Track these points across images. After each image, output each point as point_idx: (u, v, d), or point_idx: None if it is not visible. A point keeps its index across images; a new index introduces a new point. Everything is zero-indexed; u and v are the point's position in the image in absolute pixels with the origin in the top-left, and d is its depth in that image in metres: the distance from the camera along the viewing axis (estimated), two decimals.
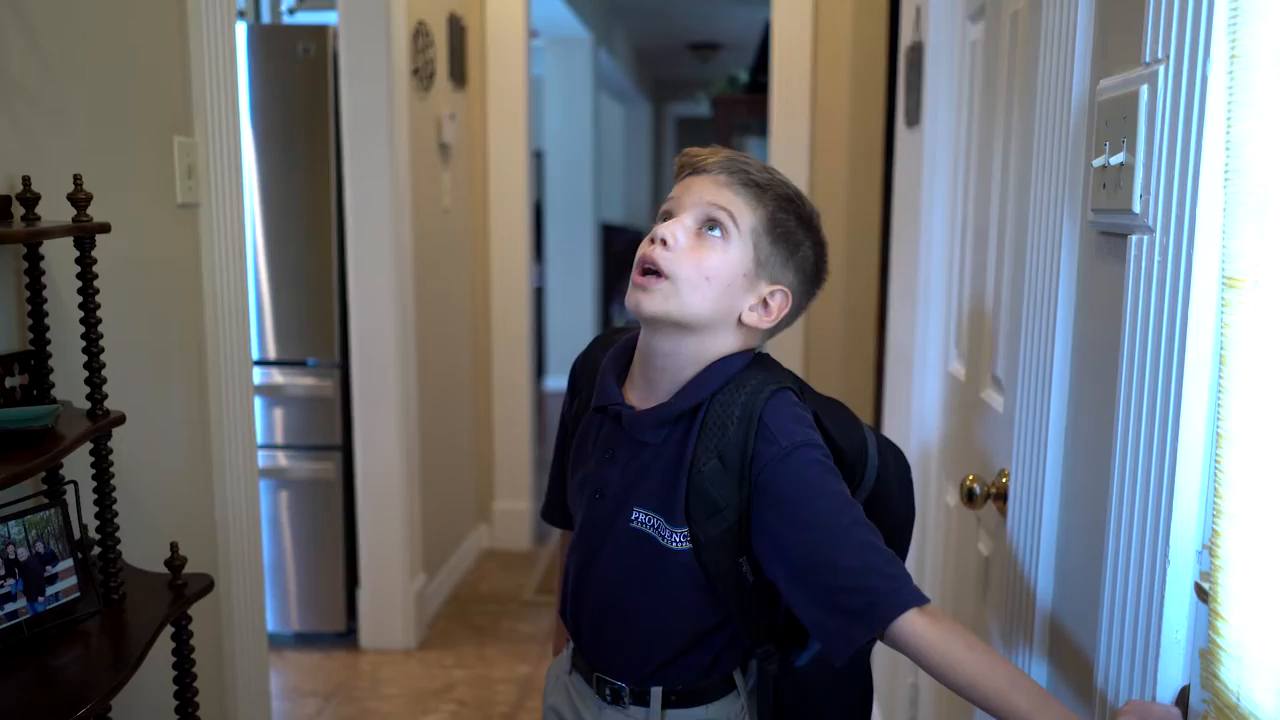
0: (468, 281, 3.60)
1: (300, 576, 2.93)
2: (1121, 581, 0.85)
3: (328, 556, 2.92)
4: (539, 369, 5.58)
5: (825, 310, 3.45)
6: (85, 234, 1.22)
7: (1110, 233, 0.94)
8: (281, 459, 2.87)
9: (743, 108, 4.21)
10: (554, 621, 1.29)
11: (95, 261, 1.26)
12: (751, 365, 1.05)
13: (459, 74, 3.33)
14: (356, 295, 2.80)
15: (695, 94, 9.15)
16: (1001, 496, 1.28)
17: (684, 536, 1.02)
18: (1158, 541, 0.79)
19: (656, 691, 1.07)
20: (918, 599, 0.92)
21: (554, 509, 1.23)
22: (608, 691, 1.10)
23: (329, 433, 2.87)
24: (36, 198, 1.27)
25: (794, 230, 1.04)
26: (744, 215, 1.01)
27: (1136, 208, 0.85)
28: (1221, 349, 0.70)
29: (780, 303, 1.04)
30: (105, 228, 1.25)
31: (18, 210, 1.28)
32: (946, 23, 1.80)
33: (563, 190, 6.58)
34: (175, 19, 1.69)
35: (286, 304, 2.84)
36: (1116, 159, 0.90)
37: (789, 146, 3.34)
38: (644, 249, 1.01)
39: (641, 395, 1.07)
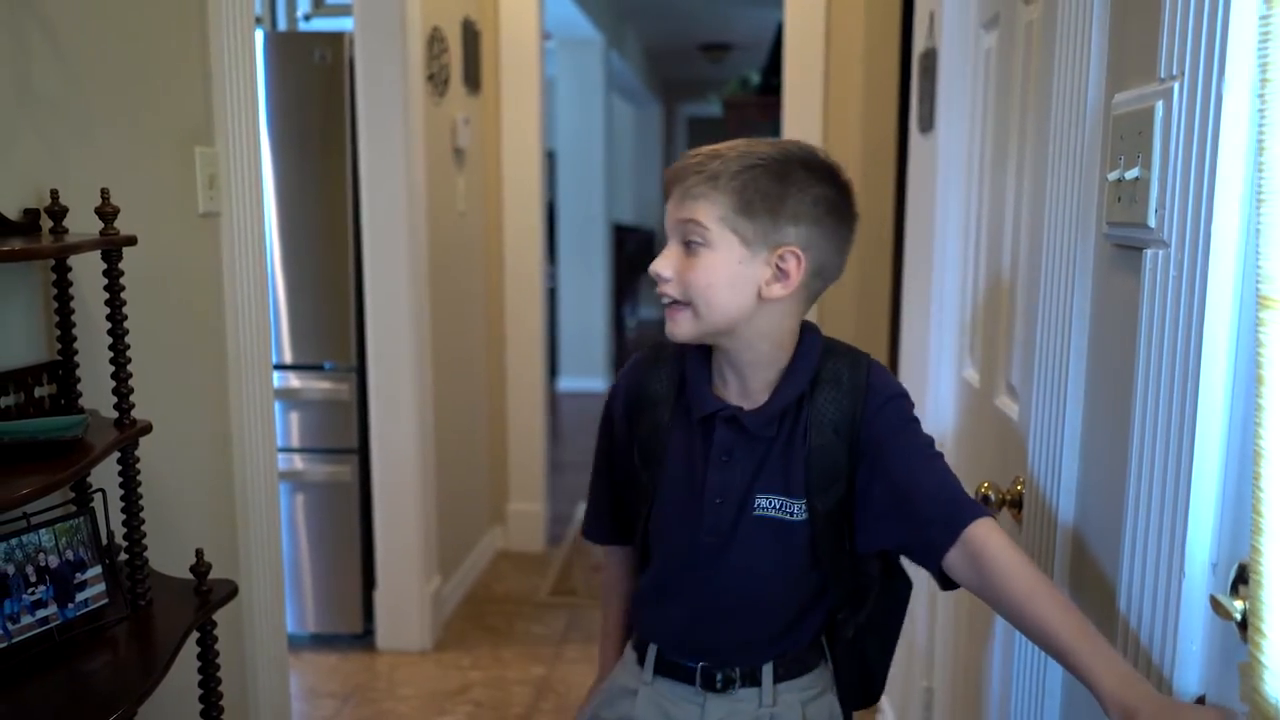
0: (482, 284, 3.62)
1: (317, 578, 2.95)
2: (1137, 593, 0.86)
3: (344, 558, 2.94)
4: (552, 369, 5.60)
5: (837, 311, 3.46)
6: (113, 247, 1.25)
7: (1125, 245, 0.95)
8: (298, 462, 2.90)
9: (754, 110, 4.22)
10: (599, 641, 1.32)
11: (122, 274, 1.28)
12: (824, 348, 1.13)
13: (473, 78, 3.35)
14: (373, 299, 2.82)
15: (706, 94, 9.17)
16: (1016, 504, 1.29)
17: (802, 508, 1.09)
18: (1173, 554, 0.80)
19: (767, 669, 1.13)
20: (987, 510, 1.05)
21: (602, 526, 1.27)
22: (718, 680, 1.13)
23: (345, 436, 2.90)
24: (64, 210, 1.30)
25: (769, 190, 1.03)
26: (707, 213, 1.03)
27: (1151, 222, 0.86)
28: (1259, 368, 0.70)
29: (794, 264, 1.05)
30: (132, 240, 1.27)
31: (46, 223, 1.30)
32: (960, 30, 1.80)
33: (575, 191, 6.60)
34: (197, 30, 1.71)
35: (303, 308, 2.86)
36: (1131, 173, 0.91)
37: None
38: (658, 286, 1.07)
39: (739, 394, 1.12)
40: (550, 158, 6.39)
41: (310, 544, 2.94)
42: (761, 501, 1.09)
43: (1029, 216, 1.33)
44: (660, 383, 1.15)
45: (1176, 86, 0.82)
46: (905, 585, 1.23)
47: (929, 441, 1.11)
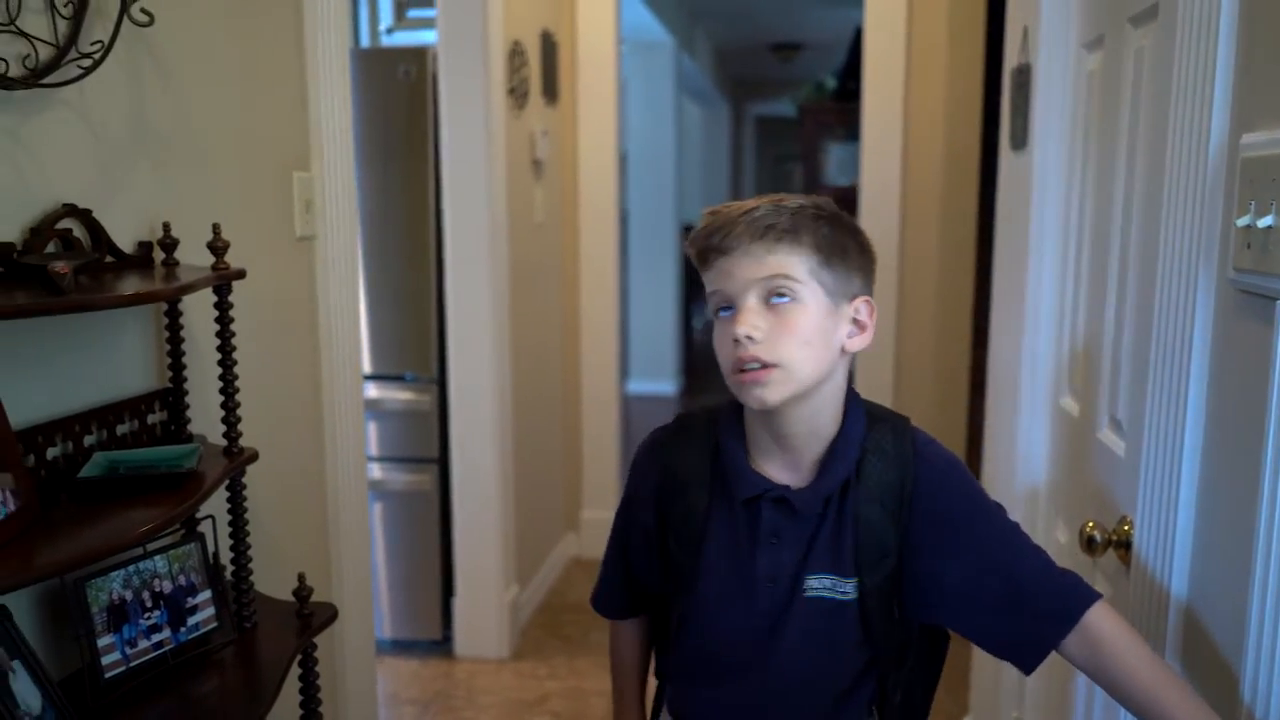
0: (557, 293, 3.64)
1: (397, 585, 3.00)
2: (1265, 684, 0.83)
3: (424, 566, 2.99)
4: (622, 372, 5.61)
5: (916, 327, 3.41)
6: (224, 282, 1.28)
7: (1254, 293, 0.92)
8: (379, 471, 2.95)
9: (830, 115, 4.18)
10: (614, 710, 1.29)
11: (231, 305, 1.32)
12: (867, 408, 1.09)
13: (551, 90, 3.37)
14: (454, 311, 2.86)
15: (776, 94, 9.10)
16: (1124, 544, 1.26)
17: (853, 586, 1.04)
18: None
19: None
20: (1095, 592, 1.02)
21: (617, 602, 1.22)
22: None
23: (426, 446, 2.94)
24: (175, 242, 1.34)
25: (836, 239, 1.02)
26: (796, 267, 1.00)
27: None
28: None
29: (867, 311, 1.04)
30: (242, 274, 1.31)
31: (158, 254, 1.34)
32: (1060, 48, 1.76)
33: (645, 193, 6.62)
34: (295, 57, 1.75)
35: (386, 320, 2.91)
36: (1264, 221, 0.88)
37: (880, 155, 3.31)
38: (735, 352, 1.00)
39: (784, 468, 1.07)
40: (621, 160, 6.42)
41: (391, 551, 2.99)
42: (812, 582, 1.04)
43: (1139, 250, 1.29)
44: (692, 463, 1.10)
45: None
46: (944, 638, 1.18)
47: (1012, 525, 1.07)
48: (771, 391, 1.00)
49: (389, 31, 3.35)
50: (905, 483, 1.04)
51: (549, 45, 3.32)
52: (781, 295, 1.00)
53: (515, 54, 2.99)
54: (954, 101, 3.23)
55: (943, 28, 3.22)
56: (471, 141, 2.78)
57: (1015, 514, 1.86)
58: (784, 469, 1.07)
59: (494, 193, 2.83)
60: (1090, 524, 1.30)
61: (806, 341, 1.00)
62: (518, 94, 3.02)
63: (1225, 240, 0.97)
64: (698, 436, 1.10)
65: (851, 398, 1.08)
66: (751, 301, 1.00)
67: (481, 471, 2.91)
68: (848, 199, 3.74)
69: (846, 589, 1.04)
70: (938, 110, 3.27)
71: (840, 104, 4.09)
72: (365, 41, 3.38)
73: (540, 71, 3.25)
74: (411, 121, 2.82)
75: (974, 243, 3.20)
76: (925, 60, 3.29)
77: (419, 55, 2.81)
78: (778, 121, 10.39)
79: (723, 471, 1.08)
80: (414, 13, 3.38)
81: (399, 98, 2.82)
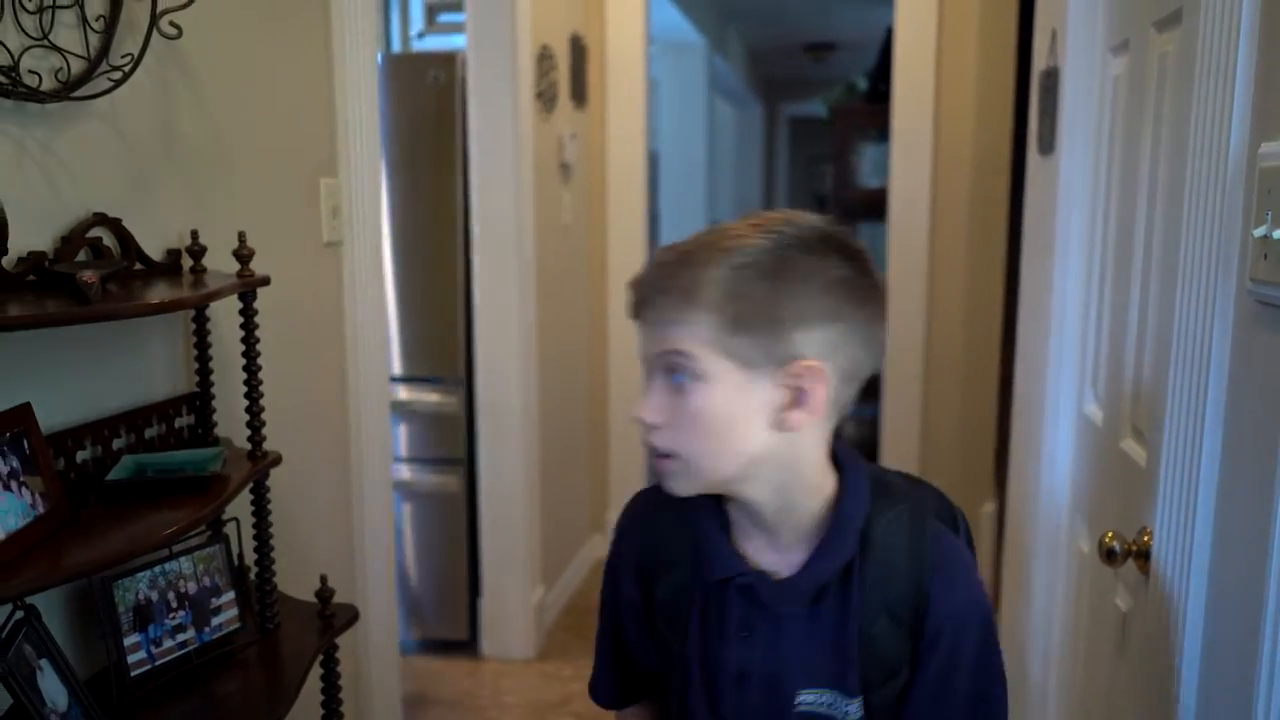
0: (584, 295, 3.66)
1: (423, 585, 3.04)
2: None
3: (451, 566, 3.02)
4: None
5: (945, 328, 3.39)
6: (249, 289, 1.30)
7: (1272, 304, 0.91)
8: (406, 472, 2.98)
9: (862, 117, 4.16)
10: None
11: (256, 312, 1.34)
12: (872, 489, 0.90)
13: (579, 93, 3.38)
14: (482, 314, 2.88)
15: (809, 94, 9.06)
16: (1143, 555, 1.25)
17: (859, 706, 0.88)
18: None
19: None
20: None
21: (611, 690, 1.05)
22: None
23: (453, 447, 2.97)
24: (203, 249, 1.36)
25: (763, 294, 0.81)
26: (689, 339, 0.82)
27: None
28: None
29: (815, 381, 0.82)
30: (266, 281, 1.33)
31: (186, 261, 1.37)
32: (1086, 52, 1.74)
33: (677, 192, 6.64)
34: (323, 63, 1.77)
35: (413, 323, 2.94)
36: None
37: (910, 157, 3.30)
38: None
39: (767, 548, 0.90)
40: (652, 161, 6.45)
41: (417, 551, 3.03)
42: (808, 697, 0.88)
43: (1160, 256, 1.28)
44: (672, 537, 0.94)
45: None
46: None
47: (1004, 680, 0.92)
48: (678, 484, 0.86)
49: (420, 36, 3.39)
50: (920, 596, 0.87)
51: (578, 48, 3.33)
52: (678, 374, 0.83)
53: (544, 58, 3.01)
54: (985, 102, 3.20)
55: (973, 28, 3.19)
56: (499, 145, 2.81)
57: (1039, 520, 1.85)
58: (766, 548, 0.90)
59: (521, 196, 2.85)
60: (1110, 534, 1.29)
61: (708, 432, 0.83)
62: (546, 98, 3.04)
63: (1244, 249, 0.96)
64: (675, 505, 0.91)
65: (847, 465, 0.90)
66: (656, 380, 0.86)
67: (508, 473, 2.94)
68: (879, 200, 3.73)
69: (850, 709, 0.88)
70: (968, 111, 3.25)
71: (872, 105, 4.07)
72: (397, 46, 3.41)
73: (569, 74, 3.26)
74: (440, 126, 2.85)
75: (1004, 244, 3.17)
76: (956, 61, 3.27)
77: (448, 60, 2.83)
78: (811, 122, 10.32)
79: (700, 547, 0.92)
80: (445, 17, 3.41)
81: (428, 102, 2.84)
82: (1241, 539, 0.96)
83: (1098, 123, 1.70)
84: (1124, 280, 1.48)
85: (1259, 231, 0.91)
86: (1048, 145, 1.99)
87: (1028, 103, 2.36)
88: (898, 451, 3.49)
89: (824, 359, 0.82)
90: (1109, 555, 1.28)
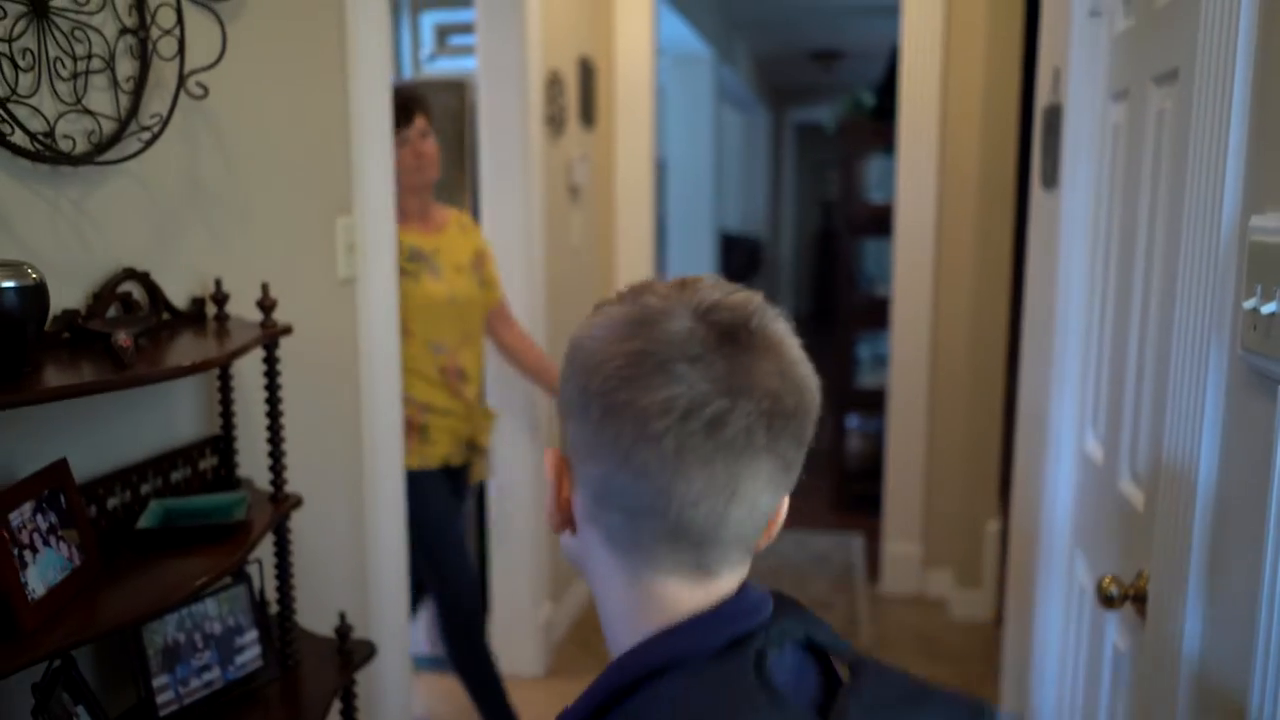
0: None
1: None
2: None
3: None
4: None
5: (950, 343, 3.42)
6: (272, 339, 1.34)
7: (1260, 373, 0.94)
8: None
9: (868, 134, 4.19)
10: None
11: (279, 360, 1.38)
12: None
13: (588, 114, 3.42)
14: None
15: (816, 101, 9.09)
16: (1140, 598, 1.28)
17: None
18: None
19: None
20: None
21: None
22: None
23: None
24: (226, 297, 1.41)
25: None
26: None
27: None
28: None
29: (555, 473, 0.74)
30: (289, 330, 1.37)
31: (210, 309, 1.42)
32: (1088, 95, 1.77)
33: (684, 202, 6.68)
34: (340, 103, 1.81)
35: None
36: (1268, 308, 0.90)
37: (915, 174, 3.33)
38: None
39: None
40: (660, 169, 6.49)
41: None
42: None
43: (1157, 311, 1.32)
44: None
45: None
46: None
47: None
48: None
49: (431, 58, 3.43)
50: None
51: (587, 71, 3.37)
52: None
53: (553, 83, 3.05)
54: (989, 127, 3.23)
55: (979, 51, 3.22)
56: (509, 170, 2.85)
57: (1039, 553, 1.88)
58: None
59: (530, 220, 2.89)
60: (1108, 579, 1.32)
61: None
62: (555, 122, 3.07)
63: (1236, 317, 0.99)
64: None
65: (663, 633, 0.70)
66: None
67: (517, 492, 2.98)
68: (884, 216, 3.76)
69: None
70: (973, 134, 3.28)
71: (877, 122, 4.10)
72: (407, 69, 3.45)
73: (578, 96, 3.30)
74: (449, 150, 2.89)
75: (1009, 265, 3.20)
76: (961, 82, 3.30)
77: (457, 86, 2.87)
78: (819, 130, 10.37)
79: None
80: (455, 39, 3.45)
81: (437, 127, 2.88)
82: (1233, 593, 1.00)
83: (1098, 165, 1.73)
84: (1123, 323, 1.51)
85: (1249, 304, 0.94)
86: (1050, 179, 2.03)
87: (1031, 130, 2.39)
88: (903, 467, 3.52)
89: (570, 454, 0.73)
90: (1107, 600, 1.31)
